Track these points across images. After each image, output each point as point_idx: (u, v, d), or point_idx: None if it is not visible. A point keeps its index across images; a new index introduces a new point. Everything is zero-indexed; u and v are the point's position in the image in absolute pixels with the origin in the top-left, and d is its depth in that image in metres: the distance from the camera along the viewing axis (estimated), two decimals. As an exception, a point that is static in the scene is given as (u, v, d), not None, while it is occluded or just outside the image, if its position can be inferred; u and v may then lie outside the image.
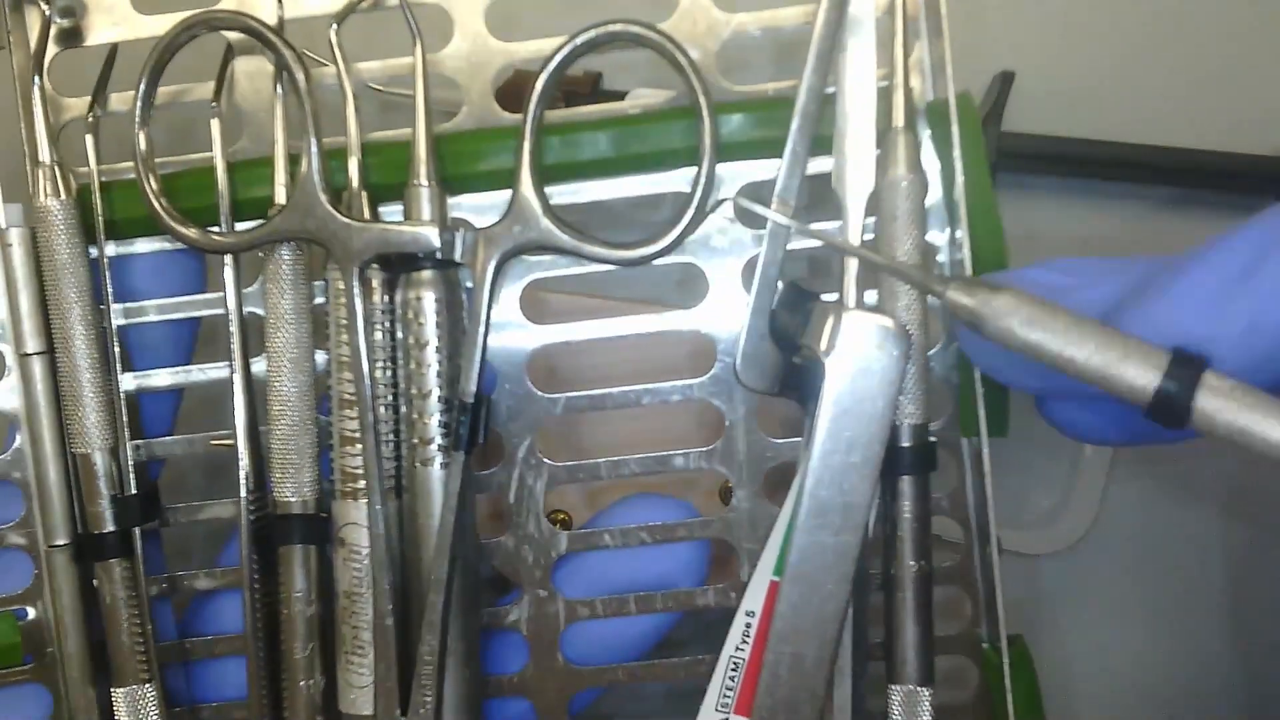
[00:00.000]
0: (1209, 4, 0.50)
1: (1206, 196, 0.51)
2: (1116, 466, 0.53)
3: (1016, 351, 0.31)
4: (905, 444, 0.37)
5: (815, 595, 0.36)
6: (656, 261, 0.38)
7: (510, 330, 0.40)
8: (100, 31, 0.40)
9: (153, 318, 0.41)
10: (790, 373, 0.37)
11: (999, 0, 0.51)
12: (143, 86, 0.38)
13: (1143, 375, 0.30)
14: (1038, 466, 0.52)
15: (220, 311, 0.40)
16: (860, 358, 0.35)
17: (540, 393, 0.40)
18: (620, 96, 0.43)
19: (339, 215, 0.37)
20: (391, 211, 0.39)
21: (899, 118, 0.37)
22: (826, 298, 0.37)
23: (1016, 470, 0.52)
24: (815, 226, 0.37)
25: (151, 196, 0.38)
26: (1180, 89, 0.50)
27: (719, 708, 0.38)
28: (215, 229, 0.39)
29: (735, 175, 0.39)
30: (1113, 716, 0.54)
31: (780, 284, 0.37)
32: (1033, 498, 0.53)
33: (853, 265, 0.37)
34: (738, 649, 0.38)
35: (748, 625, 0.38)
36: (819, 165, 0.38)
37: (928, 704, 0.37)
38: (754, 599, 0.38)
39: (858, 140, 0.37)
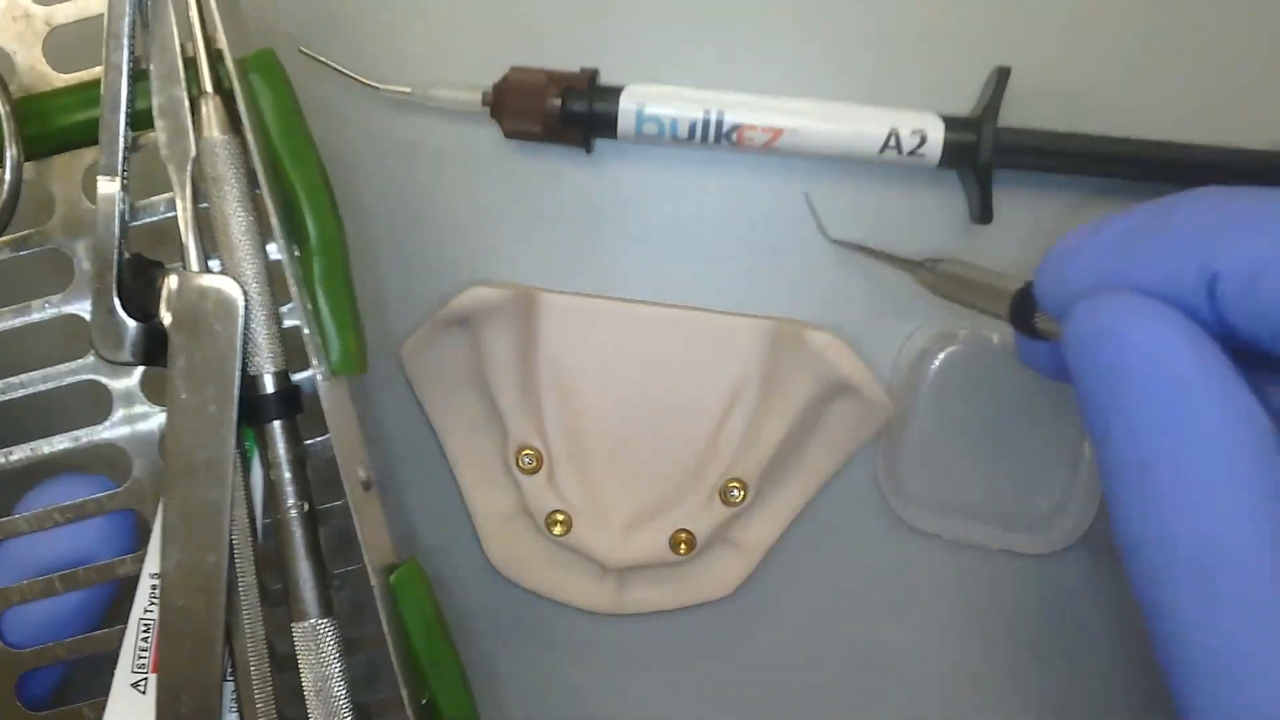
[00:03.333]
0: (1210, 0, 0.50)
1: None
2: None
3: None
4: (269, 391, 0.38)
5: (194, 550, 0.37)
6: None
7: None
8: None
9: None
10: (150, 340, 0.39)
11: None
12: None
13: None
14: (1038, 466, 0.51)
15: None
16: (197, 317, 0.37)
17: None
18: (618, 92, 0.44)
19: None
20: None
21: (206, 83, 0.38)
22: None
23: (1016, 470, 0.51)
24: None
25: None
26: (1180, 84, 0.49)
27: (135, 669, 0.40)
28: None
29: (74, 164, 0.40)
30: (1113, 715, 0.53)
31: (125, 255, 0.39)
32: (1033, 498, 0.51)
33: (188, 229, 0.38)
34: (146, 610, 0.40)
35: (154, 587, 0.39)
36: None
37: (333, 635, 0.39)
38: (154, 562, 0.39)
39: (172, 110, 0.38)
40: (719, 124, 0.44)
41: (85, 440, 0.41)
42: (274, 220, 0.39)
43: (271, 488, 0.39)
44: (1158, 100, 0.49)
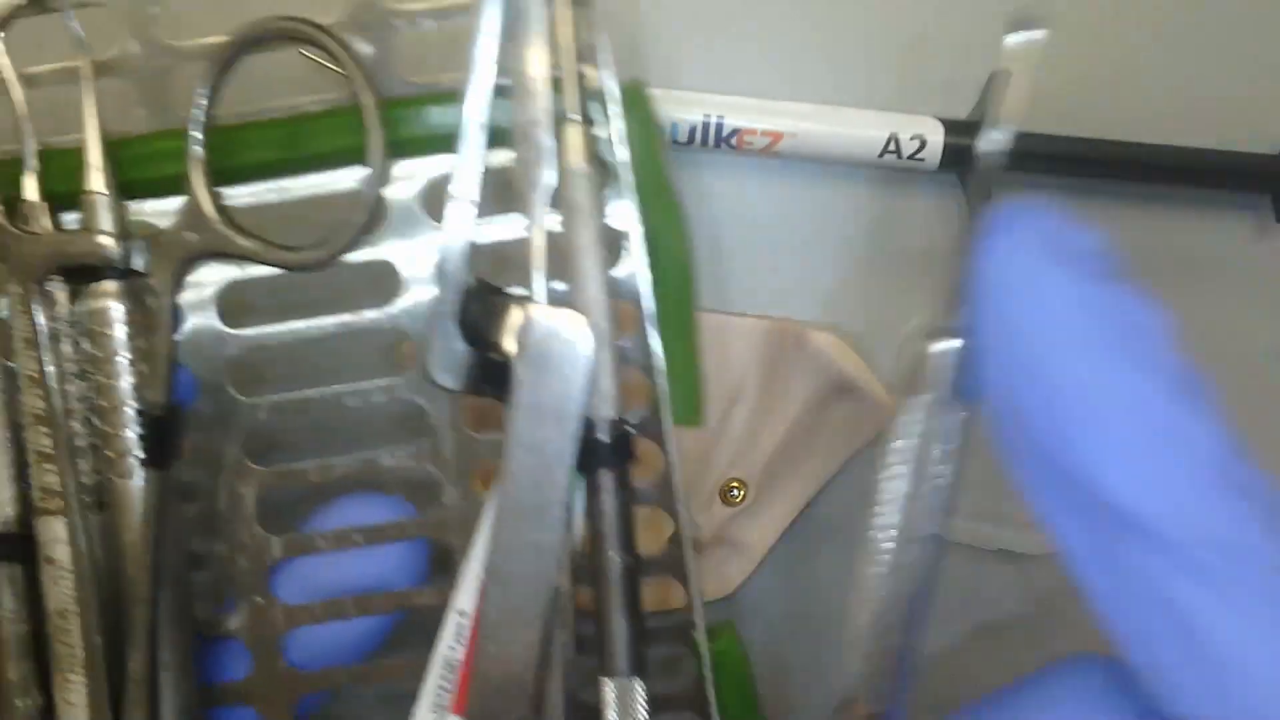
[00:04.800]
0: (1208, 1, 0.50)
1: (1205, 195, 0.51)
2: None
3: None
4: (602, 437, 0.36)
5: (518, 593, 0.35)
6: (349, 260, 0.37)
7: (208, 335, 0.39)
8: None
9: None
10: (485, 369, 0.37)
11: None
12: None
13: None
14: None
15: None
16: (547, 355, 0.35)
17: (242, 398, 0.39)
18: None
19: (12, 228, 0.36)
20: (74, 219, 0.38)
21: (574, 110, 0.36)
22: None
23: None
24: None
25: None
26: (1179, 87, 0.50)
27: (434, 708, 0.38)
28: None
29: (415, 172, 0.38)
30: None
31: (470, 280, 0.37)
32: None
33: (540, 259, 0.36)
34: (451, 647, 0.38)
35: (460, 623, 0.38)
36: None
37: (641, 695, 0.37)
38: (465, 597, 0.38)
39: (534, 133, 0.36)
40: (719, 128, 0.44)
41: (394, 460, 0.40)
42: (639, 249, 0.37)
43: (594, 536, 0.37)
44: (1156, 104, 0.49)
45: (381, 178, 0.36)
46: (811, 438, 0.47)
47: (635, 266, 0.37)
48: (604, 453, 0.36)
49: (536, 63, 0.36)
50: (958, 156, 0.47)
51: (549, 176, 0.36)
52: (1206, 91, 0.50)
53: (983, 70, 0.48)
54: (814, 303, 0.48)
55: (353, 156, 0.38)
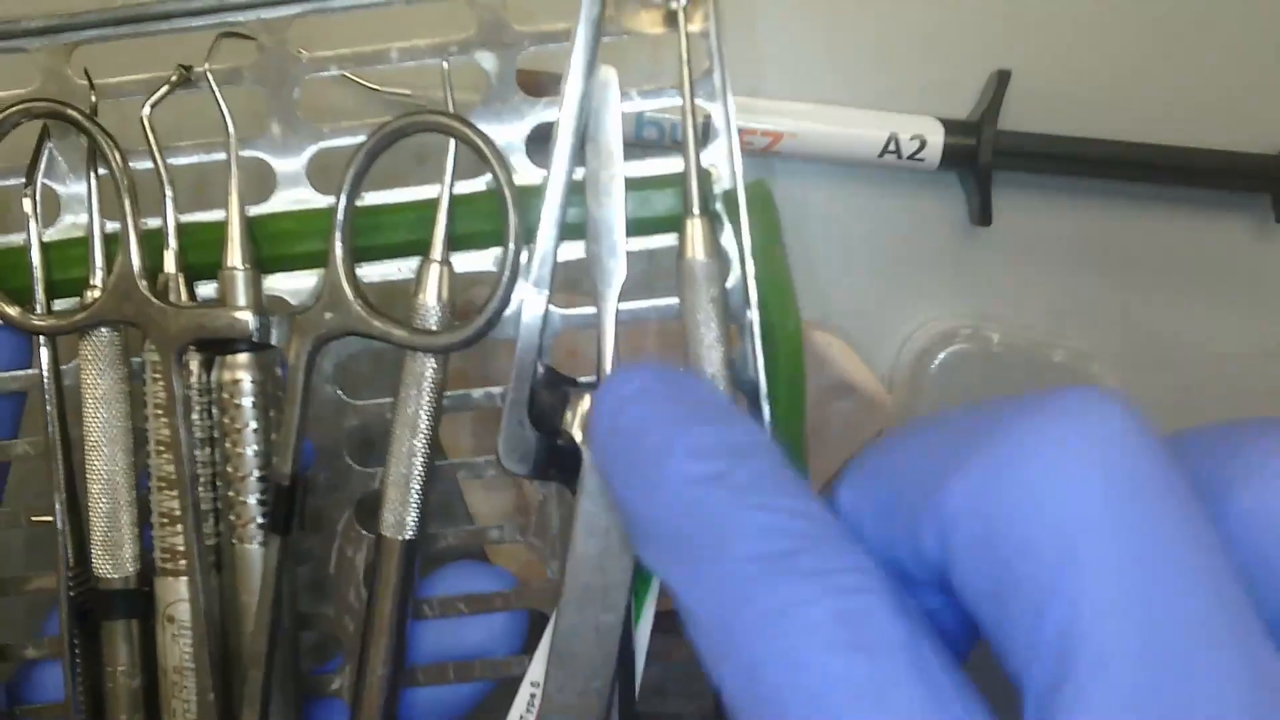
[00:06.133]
0: (1208, 2, 0.51)
1: (1206, 196, 0.52)
2: None
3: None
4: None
5: (580, 674, 0.37)
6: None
7: (330, 404, 0.40)
8: (-89, 113, 0.40)
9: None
10: (553, 455, 0.38)
11: (995, -1, 0.51)
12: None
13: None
14: None
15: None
16: None
17: (357, 466, 0.41)
18: None
19: (156, 301, 0.38)
20: (208, 288, 0.40)
21: (695, 202, 0.38)
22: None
23: None
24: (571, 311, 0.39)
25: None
26: (1179, 87, 0.51)
27: (506, 774, 0.39)
28: (36, 309, 0.39)
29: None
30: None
31: (540, 367, 0.39)
32: None
33: (608, 348, 0.38)
34: (522, 717, 0.39)
35: (532, 695, 0.39)
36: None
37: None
38: (538, 670, 0.39)
39: (606, 226, 0.38)
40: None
41: (500, 534, 0.41)
42: (758, 349, 0.38)
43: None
44: (1156, 104, 0.50)
45: (517, 262, 0.38)
46: (812, 437, 0.47)
47: (751, 352, 0.39)
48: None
49: (611, 154, 0.38)
50: (958, 156, 0.47)
51: (620, 267, 0.38)
52: (1206, 91, 0.51)
53: (983, 70, 0.50)
54: (814, 303, 0.49)
55: (487, 240, 0.40)
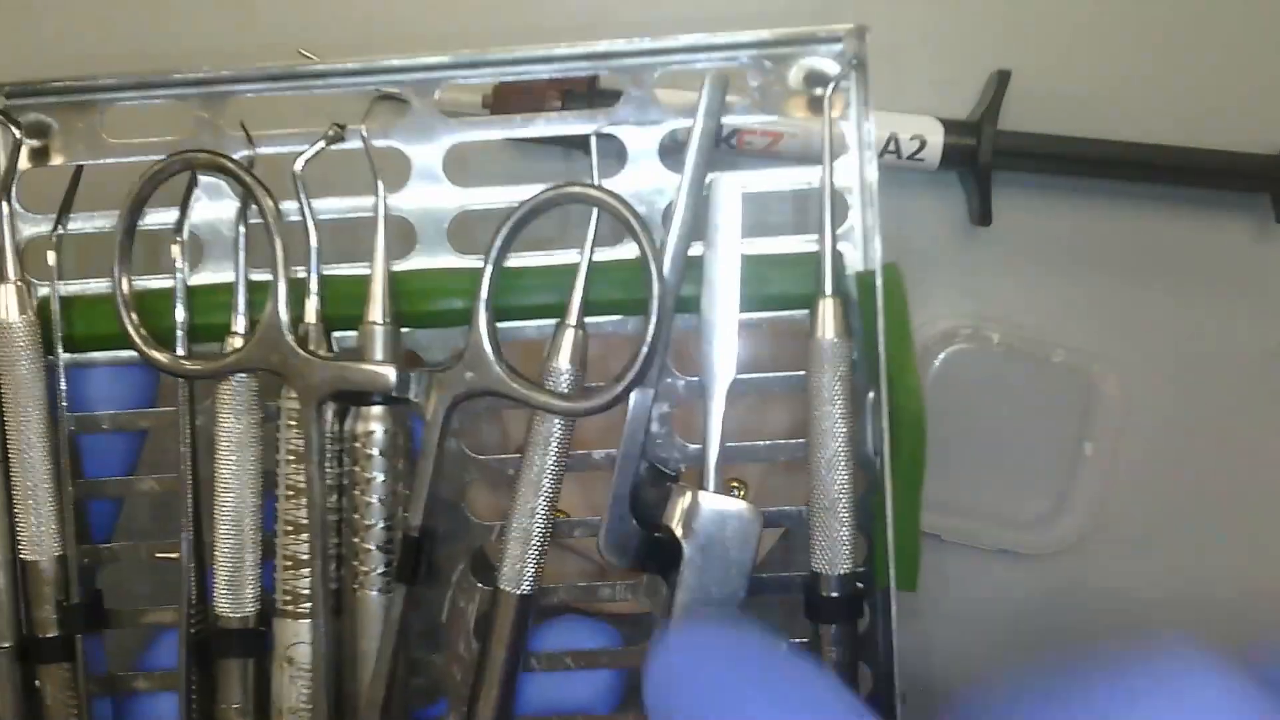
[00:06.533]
0: (1208, 2, 0.51)
1: (1205, 196, 0.52)
2: (1117, 466, 0.53)
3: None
4: (832, 594, 0.40)
5: None
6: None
7: (453, 458, 0.41)
8: (68, 153, 0.41)
9: (105, 428, 0.42)
10: (653, 547, 0.40)
11: (996, -1, 0.51)
12: (124, 222, 0.40)
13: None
14: (1037, 467, 0.52)
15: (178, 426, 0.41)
16: (713, 540, 0.39)
17: (475, 519, 0.42)
18: (617, 96, 0.42)
19: (301, 352, 0.39)
20: (344, 337, 0.41)
21: (827, 284, 0.39)
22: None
23: (1016, 470, 0.52)
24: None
25: (130, 327, 0.40)
26: (1179, 87, 0.51)
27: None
28: (181, 354, 0.41)
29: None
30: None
31: (643, 464, 0.40)
32: (1033, 498, 0.53)
33: (714, 451, 0.40)
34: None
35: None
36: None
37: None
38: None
39: (720, 330, 0.40)
40: (719, 128, 0.43)
41: (611, 591, 0.42)
42: (885, 427, 0.40)
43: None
44: (1156, 104, 0.51)
45: (660, 329, 0.39)
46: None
47: (878, 433, 0.40)
48: (834, 608, 0.40)
49: (729, 265, 0.40)
50: (958, 156, 0.48)
51: (726, 371, 0.40)
52: (1206, 91, 0.51)
53: (983, 70, 0.50)
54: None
55: (625, 308, 0.41)
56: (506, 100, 0.44)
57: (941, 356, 0.51)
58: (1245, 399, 0.54)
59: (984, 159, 0.48)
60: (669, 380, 0.41)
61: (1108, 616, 0.54)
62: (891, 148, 0.47)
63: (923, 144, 0.47)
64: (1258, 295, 0.54)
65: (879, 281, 0.40)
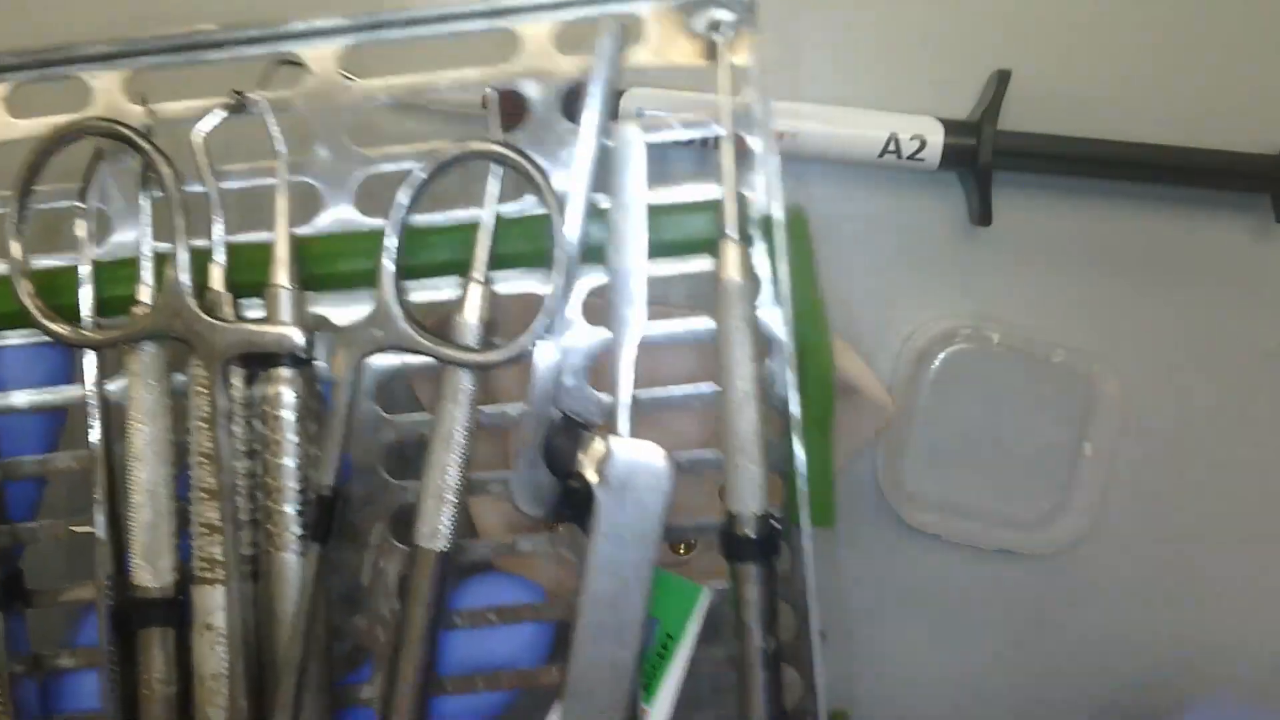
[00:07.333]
0: (1208, 2, 0.51)
1: (1205, 196, 0.52)
2: (1117, 466, 0.54)
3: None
4: (749, 533, 0.40)
5: (596, 708, 0.39)
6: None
7: (369, 420, 0.42)
8: (-30, 132, 0.41)
9: (20, 406, 0.42)
10: (568, 497, 0.40)
11: (996, -1, 0.52)
12: (18, 191, 0.40)
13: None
14: (1038, 466, 0.52)
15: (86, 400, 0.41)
16: (627, 484, 0.39)
17: (393, 480, 0.42)
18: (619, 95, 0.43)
19: (205, 317, 0.39)
20: (250, 305, 0.41)
21: (731, 227, 0.40)
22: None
23: (1016, 470, 0.52)
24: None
25: (26, 298, 0.40)
26: (1179, 87, 0.51)
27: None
28: (84, 325, 0.41)
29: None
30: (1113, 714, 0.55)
31: (558, 415, 0.41)
32: (1033, 498, 0.53)
33: (626, 391, 0.40)
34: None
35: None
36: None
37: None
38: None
39: (627, 280, 0.40)
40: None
41: (531, 545, 0.43)
42: (789, 372, 0.40)
43: (739, 625, 0.40)
44: (1156, 104, 0.51)
45: (568, 286, 0.39)
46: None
47: (784, 374, 0.40)
48: (751, 547, 0.40)
49: (634, 215, 0.40)
50: (958, 156, 0.48)
51: (636, 320, 0.40)
52: (1206, 91, 0.52)
53: (983, 70, 0.50)
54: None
55: (529, 261, 0.41)
56: (507, 100, 0.43)
57: (941, 356, 0.51)
58: (1245, 399, 0.54)
59: (984, 159, 0.48)
60: (578, 331, 0.41)
61: (1107, 616, 0.54)
62: (891, 148, 0.48)
63: (923, 144, 0.48)
64: (1257, 295, 0.54)
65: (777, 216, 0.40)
